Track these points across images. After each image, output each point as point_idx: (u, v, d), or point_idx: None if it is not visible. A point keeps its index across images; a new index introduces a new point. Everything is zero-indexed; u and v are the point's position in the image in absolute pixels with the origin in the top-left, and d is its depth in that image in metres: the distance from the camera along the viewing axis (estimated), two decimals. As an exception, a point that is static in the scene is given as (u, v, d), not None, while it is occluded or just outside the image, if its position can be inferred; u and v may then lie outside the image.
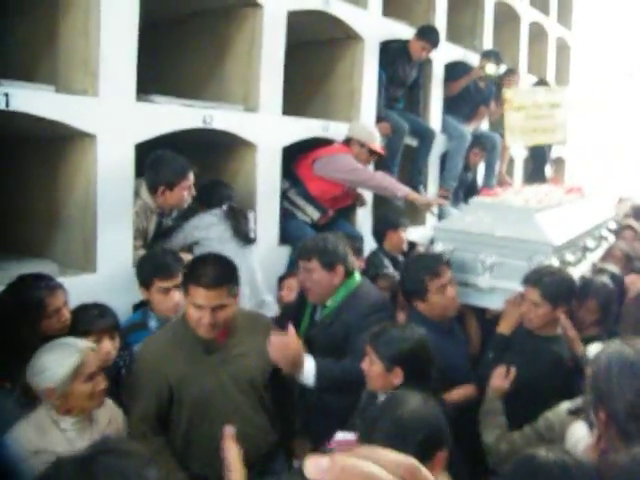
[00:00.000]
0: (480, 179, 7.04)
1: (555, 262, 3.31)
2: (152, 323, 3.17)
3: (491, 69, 6.33)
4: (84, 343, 2.38)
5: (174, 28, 4.51)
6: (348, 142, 4.79)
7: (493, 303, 3.46)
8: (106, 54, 3.23)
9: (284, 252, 4.50)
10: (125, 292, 3.37)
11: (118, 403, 2.62)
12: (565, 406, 2.48)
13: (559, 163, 9.26)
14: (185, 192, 3.62)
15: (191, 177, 3.64)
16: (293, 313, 3.37)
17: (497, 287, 3.45)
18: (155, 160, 3.57)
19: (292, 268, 4.29)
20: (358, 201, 5.07)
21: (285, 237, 4.56)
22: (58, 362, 2.26)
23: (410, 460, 0.50)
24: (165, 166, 3.55)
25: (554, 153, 8.42)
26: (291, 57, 4.52)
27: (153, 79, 4.12)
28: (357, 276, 3.19)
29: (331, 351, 2.99)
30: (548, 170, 8.16)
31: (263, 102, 4.27)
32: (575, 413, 2.35)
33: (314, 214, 4.69)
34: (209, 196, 4.02)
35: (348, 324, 3.02)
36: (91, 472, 1.27)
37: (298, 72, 5.04)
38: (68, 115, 3.10)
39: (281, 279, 4.18)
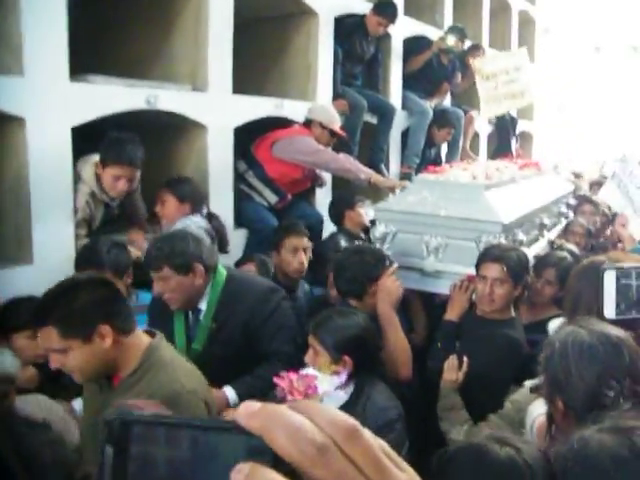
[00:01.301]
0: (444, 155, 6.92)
1: (504, 242, 3.14)
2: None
3: (451, 40, 6.21)
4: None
5: (117, 3, 4.29)
6: (308, 124, 4.64)
7: (439, 288, 3.30)
8: (29, 28, 3.01)
9: (240, 235, 4.34)
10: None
11: (55, 399, 2.47)
12: (528, 384, 2.38)
13: (525, 138, 9.20)
14: (117, 182, 3.44)
15: (131, 172, 3.46)
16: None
17: (443, 271, 3.28)
18: (113, 138, 3.42)
19: (249, 253, 4.16)
20: (317, 182, 4.92)
21: (241, 220, 4.41)
22: None
23: (350, 422, 0.46)
24: (115, 145, 3.39)
25: (520, 128, 8.35)
26: (243, 33, 4.36)
27: (93, 59, 3.94)
28: (222, 270, 2.90)
29: (234, 356, 2.79)
30: (514, 145, 8.07)
31: (212, 81, 4.09)
32: (536, 390, 2.23)
33: (272, 198, 4.53)
34: (198, 195, 3.79)
35: (244, 320, 2.79)
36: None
37: (251, 49, 4.88)
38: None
39: (238, 264, 4.03)
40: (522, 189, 3.97)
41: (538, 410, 2.10)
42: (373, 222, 4.61)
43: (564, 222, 4.75)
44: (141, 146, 3.44)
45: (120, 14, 4.34)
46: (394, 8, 5.41)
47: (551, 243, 4.11)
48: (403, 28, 6.03)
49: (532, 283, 3.28)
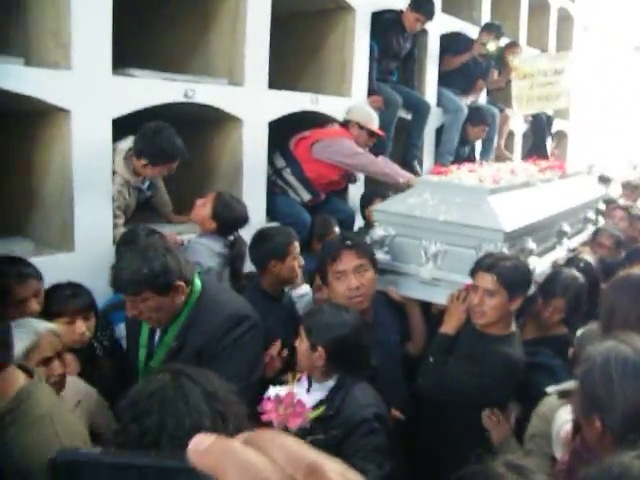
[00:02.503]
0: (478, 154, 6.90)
1: (505, 251, 2.91)
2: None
3: (492, 47, 6.23)
4: (43, 325, 2.29)
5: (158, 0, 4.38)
6: (346, 124, 4.69)
7: (437, 297, 3.07)
8: (78, 24, 3.11)
9: (273, 229, 4.40)
10: (105, 271, 3.28)
11: (92, 383, 2.56)
12: (551, 390, 2.37)
13: (561, 137, 9.11)
14: (165, 171, 3.57)
15: (176, 163, 3.56)
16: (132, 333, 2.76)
17: (441, 279, 3.07)
18: (152, 130, 3.45)
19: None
20: (351, 178, 4.96)
21: (274, 214, 4.47)
22: None
23: (311, 457, 0.43)
24: (159, 140, 3.43)
25: (555, 127, 8.27)
26: (280, 29, 4.41)
27: (135, 53, 4.04)
28: (198, 283, 2.59)
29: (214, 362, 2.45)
30: (549, 144, 8.00)
31: (248, 76, 4.16)
32: (565, 396, 2.23)
33: (305, 196, 4.59)
34: (228, 221, 3.61)
35: (199, 346, 2.47)
36: (185, 374, 1.52)
37: (288, 45, 4.94)
38: (39, 89, 3.00)
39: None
40: (538, 193, 3.72)
41: (565, 417, 2.07)
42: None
43: (591, 229, 4.51)
44: (177, 136, 3.49)
45: (160, 9, 4.43)
46: (432, 5, 5.41)
47: (572, 251, 3.89)
48: (440, 25, 6.03)
49: (539, 309, 3.15)
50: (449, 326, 2.85)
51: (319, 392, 2.34)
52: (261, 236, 3.33)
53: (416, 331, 3.08)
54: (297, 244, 3.32)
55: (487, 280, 2.66)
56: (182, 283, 2.44)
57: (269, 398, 2.14)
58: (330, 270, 2.84)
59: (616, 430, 1.63)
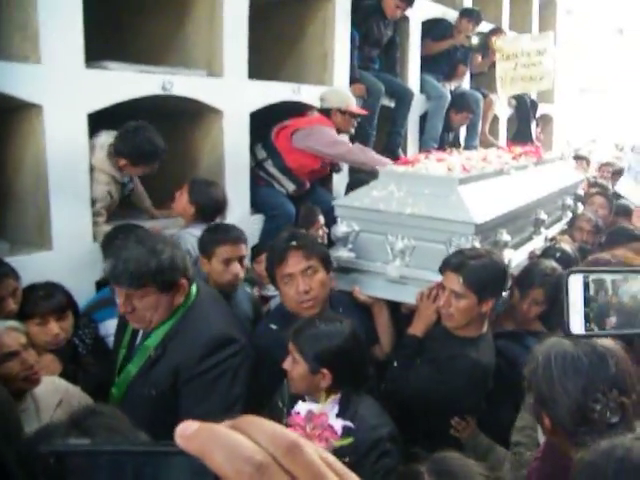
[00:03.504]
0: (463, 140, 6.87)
1: (478, 246, 2.71)
2: (120, 299, 3.04)
3: (475, 40, 6.25)
4: (0, 324, 2.27)
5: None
6: (328, 113, 4.62)
7: (405, 296, 2.87)
8: (46, 17, 3.03)
9: (257, 221, 4.35)
10: (86, 269, 3.26)
11: (76, 382, 2.53)
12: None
13: (546, 121, 9.09)
14: (146, 171, 3.55)
15: (157, 163, 3.54)
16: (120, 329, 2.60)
17: (410, 276, 2.86)
18: (132, 130, 3.42)
19: (265, 238, 4.17)
20: (335, 167, 4.91)
21: (258, 206, 4.41)
22: None
23: (290, 436, 0.45)
24: (139, 140, 3.40)
25: (540, 111, 8.26)
26: (259, 18, 4.35)
27: (109, 46, 3.95)
28: (194, 288, 2.41)
29: (157, 405, 2.28)
30: (534, 129, 7.99)
31: (228, 66, 4.08)
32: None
33: (290, 186, 4.53)
34: (206, 205, 3.60)
35: (175, 365, 2.28)
36: (83, 429, 1.31)
37: (267, 34, 4.87)
38: (8, 84, 2.92)
39: (255, 249, 4.03)
40: (512, 181, 3.55)
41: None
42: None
43: (570, 216, 4.40)
44: (157, 135, 3.44)
45: (137, 1, 4.35)
46: (412, -9, 5.36)
47: (550, 240, 3.78)
48: (421, 11, 5.98)
49: (516, 302, 3.01)
50: (417, 327, 2.68)
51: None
52: (209, 228, 3.26)
53: (383, 333, 2.87)
54: (235, 248, 3.09)
55: (454, 281, 2.49)
56: (186, 282, 2.32)
57: (298, 413, 2.00)
58: (278, 273, 2.62)
59: (565, 425, 1.63)
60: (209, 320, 2.38)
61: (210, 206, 3.58)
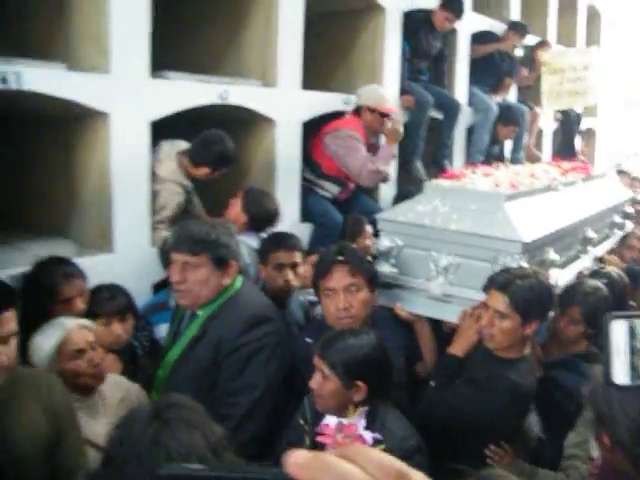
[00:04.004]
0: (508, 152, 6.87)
1: (525, 265, 2.62)
2: (174, 303, 3.13)
3: (519, 52, 6.31)
4: (72, 321, 2.36)
5: (188, 1, 4.41)
6: (358, 111, 4.64)
7: (447, 315, 2.79)
8: (117, 29, 3.16)
9: (305, 229, 4.41)
10: (144, 272, 3.35)
11: (135, 382, 2.61)
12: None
13: (589, 135, 9.03)
14: (207, 177, 3.67)
15: (223, 171, 3.70)
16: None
17: (453, 295, 2.78)
18: (215, 137, 3.58)
19: (314, 246, 4.23)
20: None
21: (305, 214, 4.48)
22: (41, 343, 2.27)
23: (398, 466, 0.47)
24: (219, 147, 3.57)
25: (584, 124, 8.21)
26: (311, 29, 4.41)
27: (168, 55, 4.04)
28: (239, 279, 2.55)
29: (199, 382, 2.38)
30: (578, 142, 7.95)
31: (281, 76, 4.18)
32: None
33: (334, 189, 4.60)
34: (259, 215, 3.66)
35: (217, 340, 2.38)
36: (164, 419, 1.39)
37: (319, 45, 4.93)
38: (80, 93, 3.03)
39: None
40: (561, 198, 3.44)
41: None
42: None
43: (619, 234, 4.33)
44: (230, 140, 3.61)
45: (193, 11, 4.46)
46: (461, 3, 5.39)
47: (599, 260, 3.69)
48: (470, 23, 6.02)
49: (556, 321, 2.89)
50: (458, 347, 2.59)
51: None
52: (268, 235, 3.42)
53: (426, 351, 2.81)
54: (289, 254, 3.18)
55: (499, 301, 2.39)
56: (235, 265, 2.46)
57: (328, 425, 2.03)
58: (321, 285, 2.60)
59: (624, 444, 1.64)
60: (249, 302, 2.50)
61: (262, 216, 3.65)
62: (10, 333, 1.76)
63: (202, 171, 3.60)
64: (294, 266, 3.19)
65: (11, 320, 1.76)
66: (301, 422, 2.22)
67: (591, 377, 1.81)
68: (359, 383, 2.08)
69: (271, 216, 3.70)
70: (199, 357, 2.39)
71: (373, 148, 4.63)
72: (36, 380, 1.98)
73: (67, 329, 2.30)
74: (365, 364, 2.10)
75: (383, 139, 4.68)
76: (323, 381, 2.10)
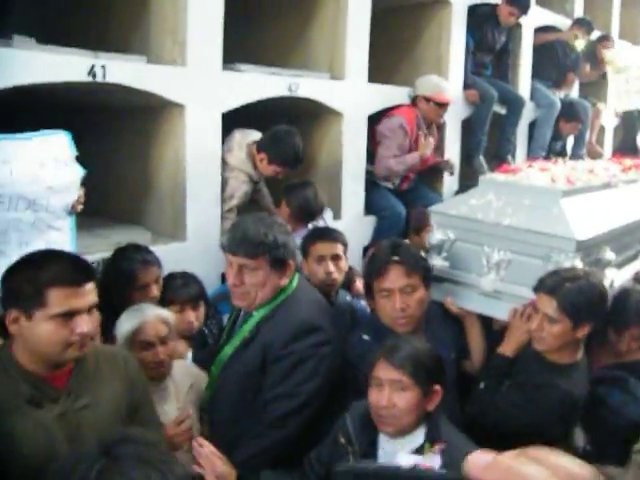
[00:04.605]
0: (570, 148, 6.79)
1: (579, 263, 2.50)
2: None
3: (580, 44, 6.18)
4: (152, 311, 2.42)
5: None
6: (414, 101, 4.67)
7: (498, 312, 2.70)
8: (193, 23, 3.23)
9: (369, 222, 4.45)
10: (213, 261, 3.40)
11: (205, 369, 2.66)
12: None
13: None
14: (276, 174, 3.69)
15: (290, 170, 3.72)
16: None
17: (504, 292, 2.68)
18: (285, 134, 3.61)
19: (377, 239, 4.26)
20: (447, 167, 4.93)
21: (369, 206, 4.50)
22: (122, 324, 2.36)
23: (587, 473, 0.46)
24: (281, 144, 3.58)
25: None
26: (377, 23, 4.42)
27: (238, 47, 4.11)
28: (296, 278, 2.47)
29: (246, 383, 2.35)
30: (639, 139, 7.79)
31: (349, 69, 4.21)
32: None
33: (394, 178, 4.62)
34: (299, 207, 3.70)
35: (266, 344, 2.32)
36: (113, 456, 1.24)
37: (384, 38, 4.94)
38: (158, 85, 3.12)
39: (366, 249, 4.14)
40: (621, 196, 3.29)
41: None
42: None
43: None
44: (300, 138, 3.63)
45: (263, 5, 4.52)
46: (527, -1, 5.35)
47: None
48: (534, 18, 5.94)
49: (612, 340, 2.69)
50: (508, 347, 2.52)
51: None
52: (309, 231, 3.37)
53: (475, 348, 2.72)
54: (329, 246, 3.11)
55: (548, 304, 2.32)
56: (292, 265, 2.39)
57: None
58: (376, 286, 2.52)
59: None
60: (302, 307, 2.39)
61: (303, 208, 3.66)
62: (92, 304, 1.81)
63: (271, 169, 3.63)
64: (335, 258, 3.10)
65: (91, 292, 1.81)
66: (342, 441, 2.05)
67: None
68: (437, 388, 1.99)
69: (311, 207, 3.69)
70: (249, 359, 2.34)
71: (426, 137, 4.66)
72: (114, 355, 2.04)
73: (144, 319, 2.36)
74: (439, 365, 2.04)
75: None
76: (398, 394, 1.93)
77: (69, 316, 1.74)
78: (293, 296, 2.40)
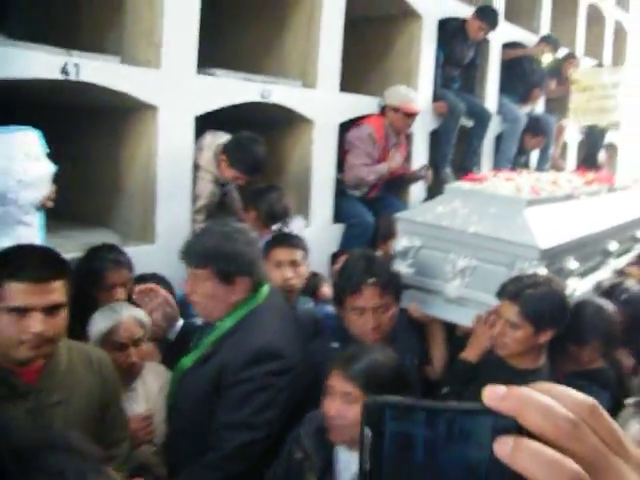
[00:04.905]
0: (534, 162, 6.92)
1: (543, 271, 2.55)
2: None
3: (547, 59, 6.34)
4: (128, 312, 2.38)
5: (233, 1, 4.48)
6: (383, 110, 4.71)
7: (462, 318, 2.71)
8: (170, 25, 3.23)
9: (338, 230, 4.47)
10: (181, 264, 3.38)
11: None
12: (629, 402, 2.23)
13: (611, 149, 9.05)
14: (236, 180, 3.69)
15: (252, 178, 3.69)
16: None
17: (469, 298, 2.71)
18: (241, 140, 3.59)
19: (346, 245, 4.29)
20: (421, 173, 4.91)
21: (337, 214, 4.53)
22: (95, 323, 2.33)
23: (590, 400, 0.49)
24: (243, 149, 3.56)
25: (607, 139, 8.24)
26: (349, 33, 4.47)
27: (213, 52, 4.12)
28: (265, 290, 2.34)
29: (201, 401, 2.21)
30: (601, 156, 7.99)
31: (321, 78, 4.24)
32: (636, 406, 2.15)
33: (362, 187, 4.66)
34: (264, 211, 3.68)
35: (224, 366, 2.17)
36: (29, 466, 1.06)
37: (355, 48, 4.98)
38: (132, 86, 3.11)
39: (334, 256, 4.15)
40: (583, 207, 3.37)
41: (635, 426, 2.05)
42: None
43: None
44: (264, 148, 3.62)
45: (237, 11, 4.52)
46: (496, 14, 5.44)
47: (619, 274, 3.57)
48: (502, 34, 6.05)
49: (573, 352, 2.68)
50: (471, 352, 2.53)
51: None
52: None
53: (437, 354, 2.71)
54: (287, 251, 3.04)
55: (510, 310, 2.34)
56: (247, 281, 2.25)
57: None
58: (349, 302, 2.47)
59: None
60: (264, 328, 2.24)
61: (267, 211, 3.66)
62: (55, 304, 1.74)
63: (231, 173, 3.61)
64: (294, 264, 3.04)
65: (57, 291, 1.75)
66: (298, 456, 1.96)
67: None
68: None
69: (276, 212, 3.68)
70: (205, 377, 2.21)
71: (395, 146, 4.72)
72: (88, 353, 2.01)
73: (119, 320, 2.33)
74: (400, 377, 1.94)
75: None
76: (348, 406, 1.84)
77: (23, 312, 1.70)
78: (258, 312, 2.27)
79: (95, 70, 2.93)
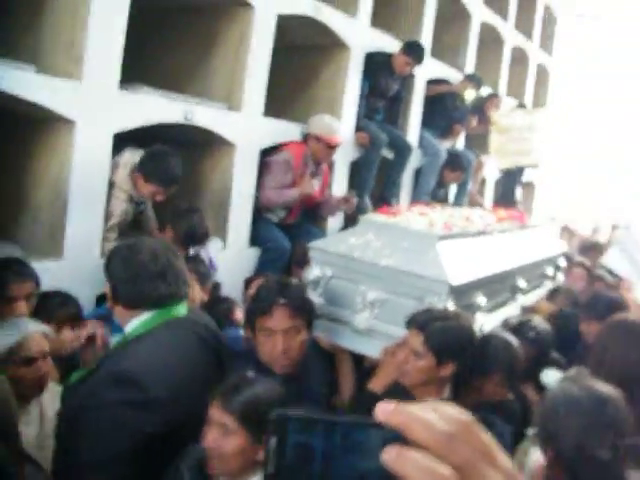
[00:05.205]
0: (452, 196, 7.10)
1: (451, 306, 2.60)
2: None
3: (470, 95, 6.51)
4: (33, 326, 2.34)
5: (163, 19, 4.45)
6: (306, 138, 4.75)
7: (370, 349, 2.72)
8: (93, 38, 3.18)
9: (253, 254, 4.48)
10: (90, 282, 3.32)
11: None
12: (531, 432, 2.33)
13: (529, 187, 9.38)
14: (154, 195, 3.63)
15: (170, 190, 3.64)
16: None
17: (377, 330, 2.73)
18: (161, 153, 3.57)
19: (260, 270, 4.30)
20: (345, 203, 4.89)
21: (254, 237, 4.53)
22: None
23: (466, 417, 0.57)
24: (158, 161, 3.53)
25: (525, 177, 8.53)
26: (276, 59, 4.51)
27: (137, 69, 4.07)
28: (181, 310, 2.18)
29: (70, 427, 1.96)
30: (518, 193, 8.27)
31: (245, 102, 4.25)
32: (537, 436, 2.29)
33: (280, 212, 4.69)
34: (190, 233, 3.70)
35: (89, 389, 1.96)
36: None
37: (282, 75, 5.01)
38: (48, 97, 3.04)
39: (248, 281, 4.14)
40: (494, 244, 3.46)
41: (537, 454, 2.14)
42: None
43: (549, 285, 4.35)
44: (180, 160, 3.60)
45: (164, 28, 4.51)
46: (422, 50, 5.58)
47: (526, 309, 3.69)
48: (427, 70, 6.22)
49: (475, 383, 2.70)
50: (377, 383, 2.51)
51: None
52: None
53: (345, 384, 2.74)
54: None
55: (415, 339, 2.37)
56: (128, 302, 2.11)
57: None
58: (259, 323, 2.44)
59: (565, 459, 1.82)
60: (139, 352, 2.04)
61: (187, 233, 3.67)
62: None
63: (148, 189, 3.57)
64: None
65: None
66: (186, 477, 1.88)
67: (545, 398, 2.00)
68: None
69: (197, 234, 3.70)
70: (76, 396, 2.01)
71: (313, 175, 4.77)
72: None
73: (26, 334, 2.26)
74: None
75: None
76: (225, 437, 1.80)
77: None
78: (150, 333, 2.08)
79: (5, 77, 2.85)
